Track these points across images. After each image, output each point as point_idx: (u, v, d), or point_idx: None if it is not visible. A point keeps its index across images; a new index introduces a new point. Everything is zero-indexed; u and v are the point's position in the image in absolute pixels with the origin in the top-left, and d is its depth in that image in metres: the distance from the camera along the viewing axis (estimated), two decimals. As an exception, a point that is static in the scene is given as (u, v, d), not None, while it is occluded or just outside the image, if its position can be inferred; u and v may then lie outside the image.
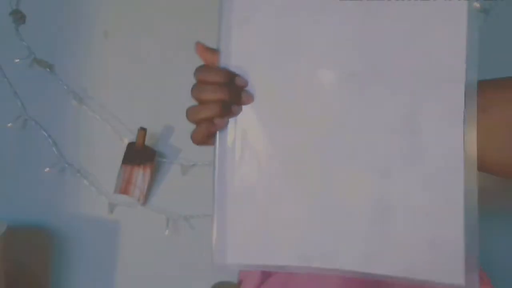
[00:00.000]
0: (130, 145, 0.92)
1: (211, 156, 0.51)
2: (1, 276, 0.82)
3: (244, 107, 0.50)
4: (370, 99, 0.48)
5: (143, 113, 0.94)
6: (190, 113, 0.50)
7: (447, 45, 0.47)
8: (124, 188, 0.91)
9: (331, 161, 0.49)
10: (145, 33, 0.94)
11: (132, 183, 0.91)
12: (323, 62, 0.49)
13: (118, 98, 0.94)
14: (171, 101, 0.90)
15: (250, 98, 0.50)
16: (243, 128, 0.51)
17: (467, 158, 0.46)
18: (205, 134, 0.51)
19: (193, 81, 0.51)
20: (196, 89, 0.50)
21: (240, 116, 0.51)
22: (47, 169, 0.91)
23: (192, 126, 0.53)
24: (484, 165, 0.48)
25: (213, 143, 0.51)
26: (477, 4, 0.47)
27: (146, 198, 0.92)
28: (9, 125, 0.92)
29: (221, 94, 0.49)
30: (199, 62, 0.51)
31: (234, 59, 0.51)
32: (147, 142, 0.92)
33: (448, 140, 0.47)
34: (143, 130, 0.91)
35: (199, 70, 0.50)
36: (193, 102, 0.51)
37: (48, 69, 0.93)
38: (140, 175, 0.91)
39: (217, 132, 0.51)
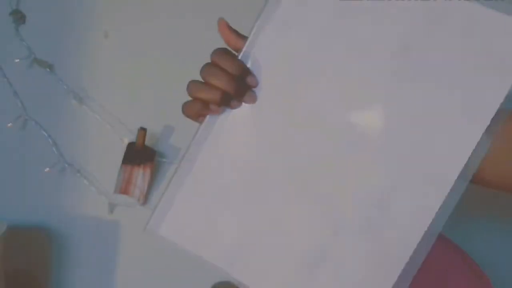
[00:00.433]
0: (130, 145, 0.92)
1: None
2: (1, 276, 0.82)
3: (243, 105, 0.51)
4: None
5: (143, 113, 0.94)
6: (190, 87, 0.50)
7: None
8: (124, 188, 0.91)
9: (293, 193, 0.49)
10: (145, 33, 0.94)
11: (132, 183, 0.91)
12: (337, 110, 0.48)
13: (118, 98, 0.94)
14: (171, 101, 0.89)
15: (253, 100, 0.50)
16: (233, 121, 0.51)
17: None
18: (196, 113, 0.51)
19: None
20: (206, 70, 0.49)
21: (235, 111, 0.51)
22: (47, 169, 0.91)
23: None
24: (483, 178, 0.47)
25: (200, 122, 0.51)
26: None
27: (146, 198, 0.92)
28: (9, 125, 0.91)
29: (228, 86, 0.48)
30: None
31: (256, 56, 0.50)
32: (147, 142, 0.92)
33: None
34: (143, 130, 0.91)
35: (216, 52, 0.50)
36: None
37: (48, 69, 0.93)
38: (140, 175, 0.91)
39: (208, 116, 0.51)
